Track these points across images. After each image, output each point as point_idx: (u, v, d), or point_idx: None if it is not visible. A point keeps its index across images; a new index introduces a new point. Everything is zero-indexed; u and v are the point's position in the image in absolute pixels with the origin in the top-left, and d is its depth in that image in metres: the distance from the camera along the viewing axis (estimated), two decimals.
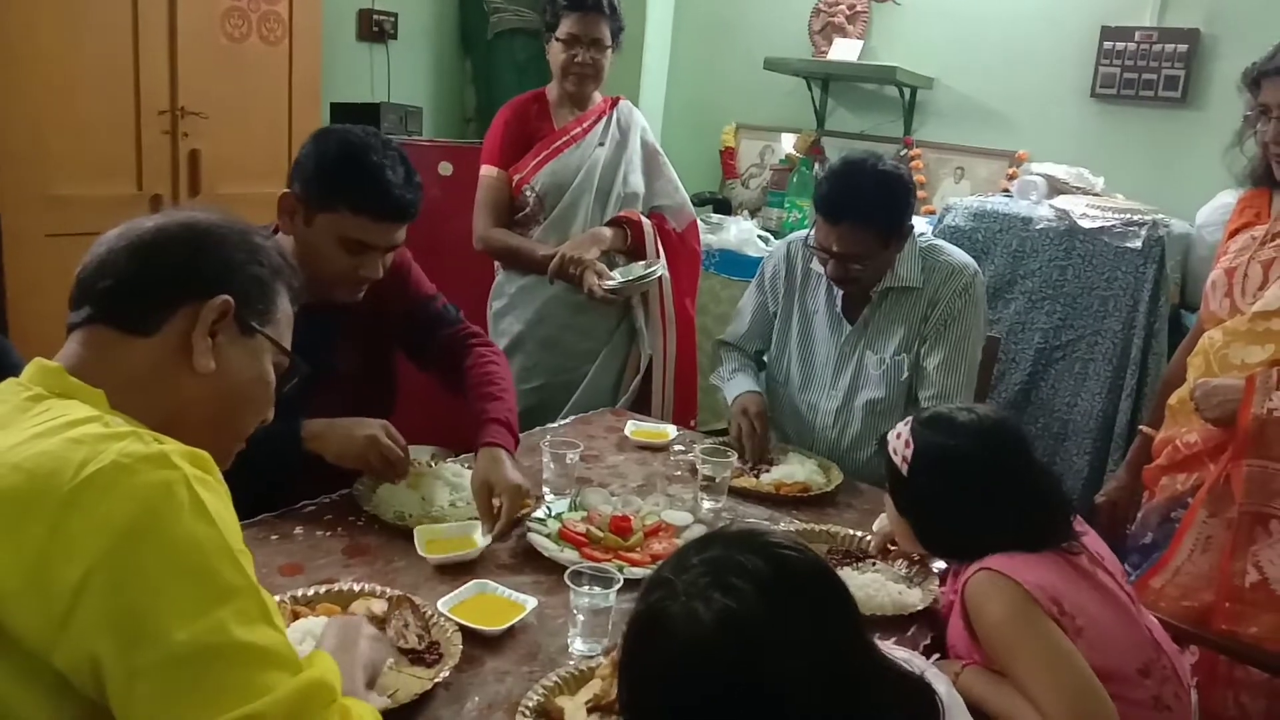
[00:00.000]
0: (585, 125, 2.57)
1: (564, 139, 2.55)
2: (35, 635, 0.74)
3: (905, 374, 2.16)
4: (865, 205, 2.00)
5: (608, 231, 2.52)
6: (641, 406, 2.61)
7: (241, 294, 0.98)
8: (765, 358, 2.43)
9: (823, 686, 0.84)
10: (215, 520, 0.80)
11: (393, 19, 4.11)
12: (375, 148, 1.62)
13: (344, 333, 1.77)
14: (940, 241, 2.27)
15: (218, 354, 0.96)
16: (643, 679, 0.90)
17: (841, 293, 2.21)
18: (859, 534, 1.74)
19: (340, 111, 3.70)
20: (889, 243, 2.06)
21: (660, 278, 2.55)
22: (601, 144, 2.58)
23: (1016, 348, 2.97)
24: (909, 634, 1.46)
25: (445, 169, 3.63)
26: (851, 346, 2.21)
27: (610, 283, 2.38)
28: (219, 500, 0.82)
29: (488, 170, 2.57)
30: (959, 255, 2.21)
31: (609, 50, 2.49)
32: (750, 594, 0.84)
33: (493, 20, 4.33)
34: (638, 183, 2.62)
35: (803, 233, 2.38)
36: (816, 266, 2.25)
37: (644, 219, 2.58)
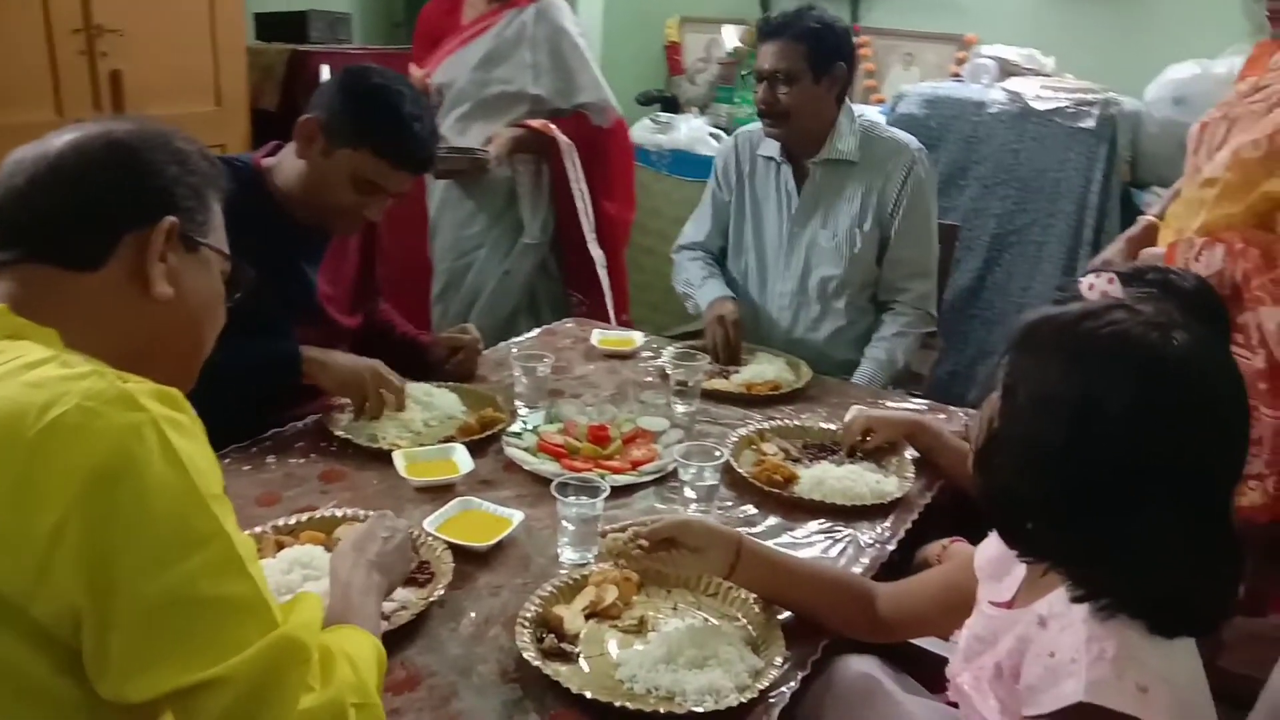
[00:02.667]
0: (490, 21, 2.51)
1: (468, 32, 2.53)
2: (13, 587, 0.72)
3: (859, 248, 2.19)
4: (798, 26, 2.12)
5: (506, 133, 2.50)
6: (560, 308, 2.67)
7: (184, 210, 0.92)
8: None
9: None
10: (186, 465, 0.76)
11: None
12: (410, 98, 1.66)
13: (329, 257, 1.81)
14: (878, 119, 2.32)
15: (172, 278, 0.91)
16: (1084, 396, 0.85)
17: (789, 172, 2.24)
18: (832, 427, 1.77)
19: (266, 22, 3.52)
20: (819, 77, 2.13)
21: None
22: (505, 37, 2.52)
23: (971, 234, 2.99)
24: (889, 520, 1.50)
25: None
26: (800, 225, 2.24)
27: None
28: (191, 442, 0.79)
29: (413, 70, 2.57)
30: (900, 133, 2.28)
31: None
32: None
33: None
34: (546, 84, 2.57)
35: (753, 124, 2.36)
36: (763, 150, 2.28)
37: (550, 125, 2.56)
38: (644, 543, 1.18)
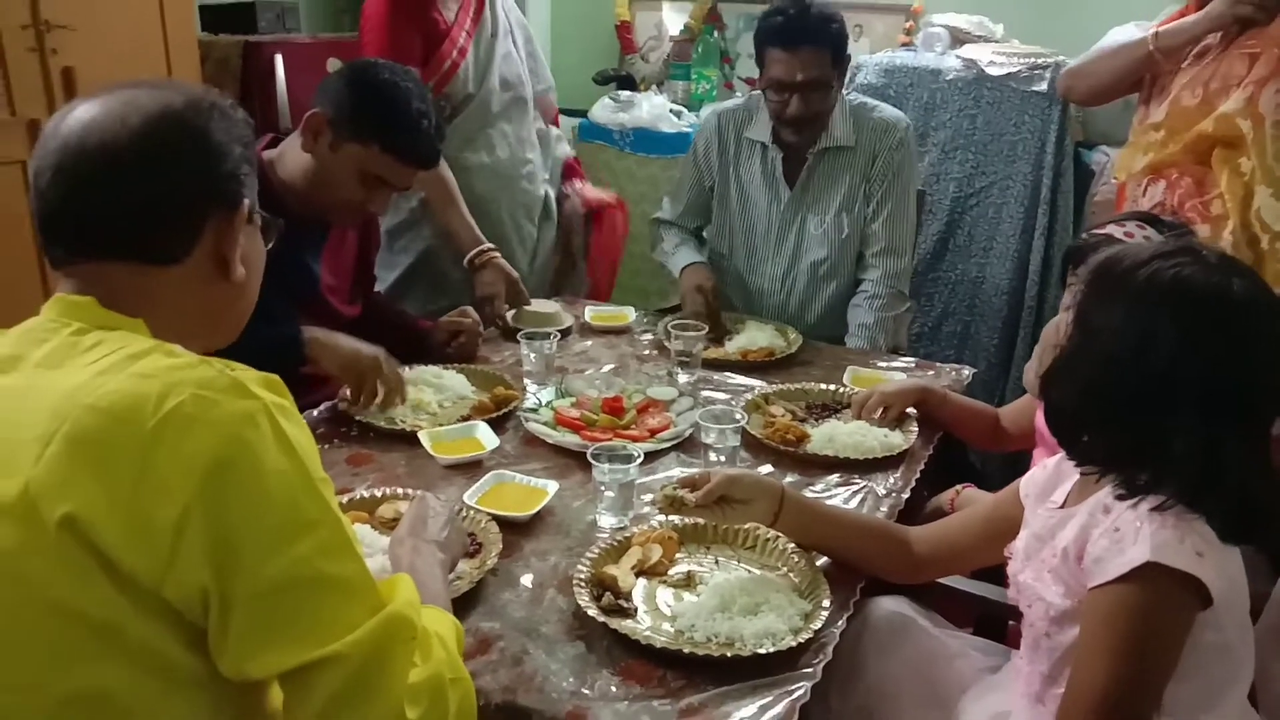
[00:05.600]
0: (473, 15, 2.43)
1: (462, 36, 2.43)
2: (145, 572, 0.74)
3: (846, 232, 2.24)
4: (817, 27, 2.05)
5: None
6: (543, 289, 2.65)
7: (249, 187, 0.93)
8: (705, 234, 2.47)
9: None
10: (297, 449, 0.79)
11: None
12: (417, 94, 1.68)
13: (329, 248, 1.83)
14: (866, 98, 2.33)
15: (243, 256, 0.93)
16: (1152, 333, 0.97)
17: (780, 158, 2.25)
18: (831, 387, 1.83)
19: (214, 14, 3.45)
20: (839, 75, 2.12)
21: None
22: (494, 35, 2.47)
23: (933, 198, 3.08)
24: (900, 471, 1.57)
25: (334, 65, 3.45)
26: (792, 212, 2.27)
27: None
28: (297, 428, 0.81)
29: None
30: (889, 111, 2.27)
31: None
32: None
33: None
34: (529, 73, 2.54)
35: (732, 102, 2.40)
36: (751, 134, 2.28)
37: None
38: (698, 495, 1.23)
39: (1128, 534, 0.96)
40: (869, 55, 3.32)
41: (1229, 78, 1.84)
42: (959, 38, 3.19)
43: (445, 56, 2.35)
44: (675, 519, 1.32)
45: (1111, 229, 1.24)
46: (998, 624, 1.43)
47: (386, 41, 2.29)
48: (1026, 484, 1.19)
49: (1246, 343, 0.97)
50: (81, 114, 0.87)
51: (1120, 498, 0.99)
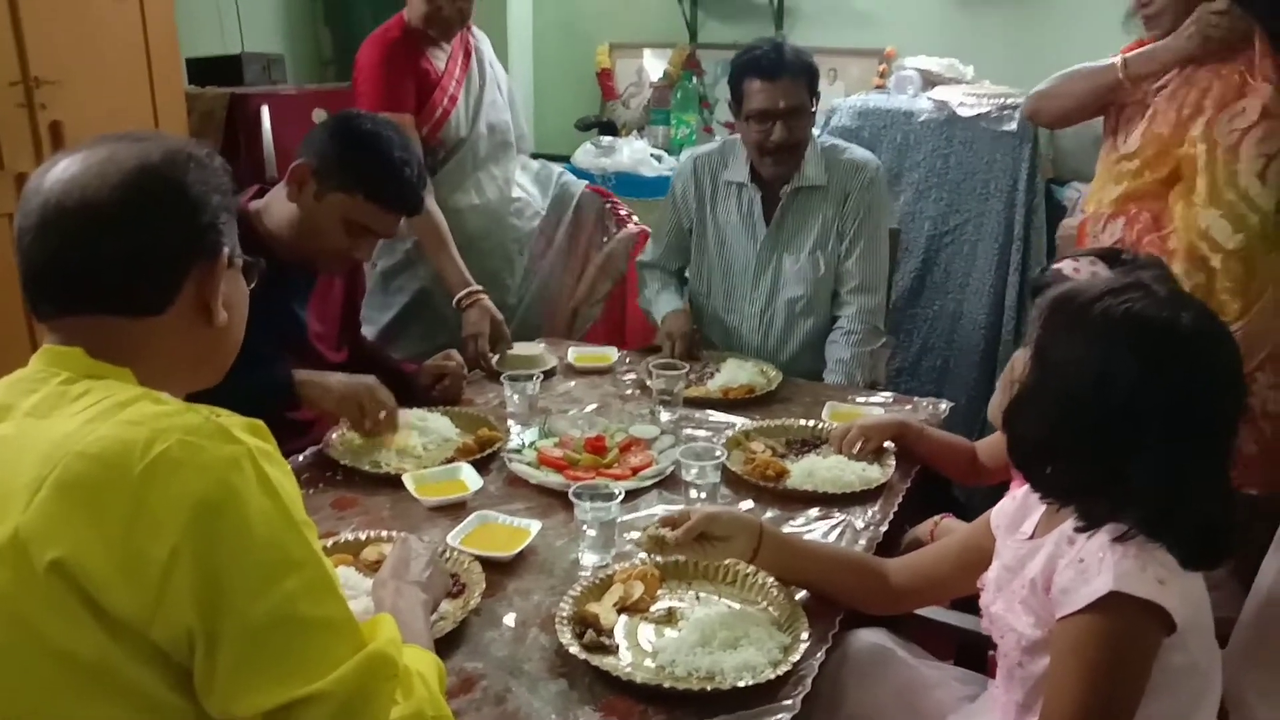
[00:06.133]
0: (461, 64, 2.53)
1: (452, 84, 2.51)
2: (134, 614, 0.76)
3: (821, 270, 2.29)
4: (793, 60, 2.18)
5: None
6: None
7: (228, 234, 0.95)
8: (686, 274, 2.51)
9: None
10: (280, 492, 0.82)
11: None
12: (399, 144, 1.73)
13: (316, 296, 1.86)
14: (837, 140, 2.41)
15: (224, 300, 0.95)
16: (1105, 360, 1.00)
17: (757, 197, 2.31)
18: (811, 423, 1.86)
19: (200, 66, 3.51)
20: (812, 106, 2.24)
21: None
22: (482, 85, 2.57)
23: (909, 236, 3.13)
24: (878, 504, 1.59)
25: (320, 116, 3.51)
26: (769, 250, 2.32)
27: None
28: (281, 471, 0.84)
29: (401, 118, 2.49)
30: (860, 151, 2.35)
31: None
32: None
33: None
34: (513, 118, 2.65)
35: (707, 146, 2.47)
36: (728, 176, 2.34)
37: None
38: (678, 533, 1.25)
39: (1091, 564, 0.99)
40: (844, 98, 3.40)
41: (1200, 104, 1.88)
42: (931, 80, 3.28)
43: (437, 104, 2.44)
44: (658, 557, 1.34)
45: (1065, 264, 1.28)
46: (978, 653, 1.45)
47: (382, 90, 2.38)
48: (997, 515, 1.22)
49: (1198, 372, 1.00)
50: (61, 172, 0.88)
51: (1080, 529, 1.02)
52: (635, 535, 1.42)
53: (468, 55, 2.54)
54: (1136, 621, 0.97)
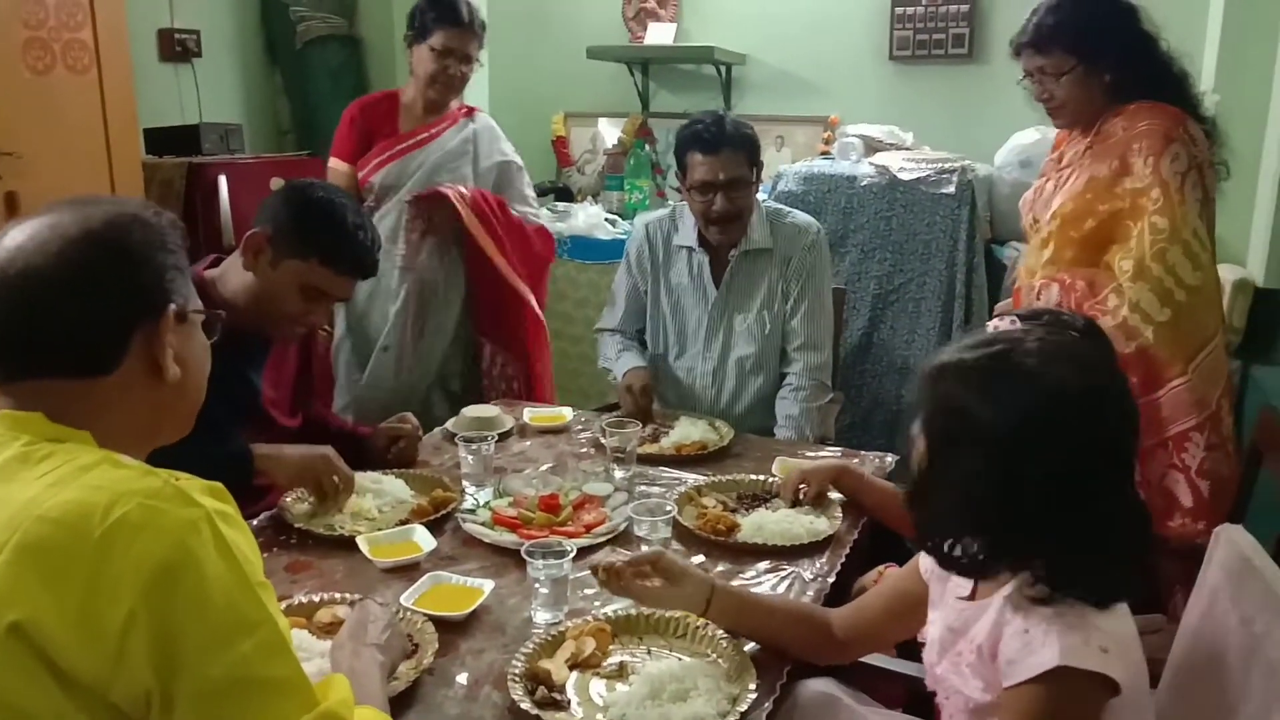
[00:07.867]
0: (433, 131, 2.61)
1: (408, 142, 2.61)
2: (93, 675, 0.77)
3: (769, 328, 2.37)
4: (732, 134, 2.26)
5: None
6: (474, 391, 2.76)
7: (175, 289, 0.96)
8: (645, 336, 2.57)
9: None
10: (236, 555, 0.83)
11: (195, 36, 3.93)
12: (351, 209, 1.78)
13: (270, 362, 1.88)
14: (780, 205, 2.52)
15: (176, 355, 0.96)
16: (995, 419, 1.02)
17: (705, 261, 2.38)
18: (761, 478, 1.91)
19: (157, 136, 3.54)
20: (754, 178, 2.30)
21: None
22: (449, 150, 2.63)
23: (855, 296, 3.24)
24: (825, 556, 1.63)
25: (277, 184, 3.54)
26: (719, 311, 2.39)
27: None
28: (238, 533, 0.86)
29: (336, 164, 2.66)
30: (802, 216, 2.46)
31: (474, 64, 2.57)
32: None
33: (300, 29, 4.21)
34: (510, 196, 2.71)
35: (658, 212, 2.55)
36: (679, 240, 2.42)
37: (455, 191, 2.58)
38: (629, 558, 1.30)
39: (1036, 637, 1.01)
40: (791, 164, 3.52)
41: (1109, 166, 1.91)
42: (872, 146, 3.42)
43: (375, 156, 2.59)
44: (609, 610, 1.36)
45: (989, 325, 1.32)
46: (926, 699, 1.48)
47: (347, 141, 2.64)
48: (924, 561, 1.26)
49: (1077, 429, 1.01)
50: (8, 242, 0.91)
51: (1017, 605, 1.04)
52: (589, 592, 1.44)
53: (452, 124, 2.65)
54: (1082, 692, 0.99)
